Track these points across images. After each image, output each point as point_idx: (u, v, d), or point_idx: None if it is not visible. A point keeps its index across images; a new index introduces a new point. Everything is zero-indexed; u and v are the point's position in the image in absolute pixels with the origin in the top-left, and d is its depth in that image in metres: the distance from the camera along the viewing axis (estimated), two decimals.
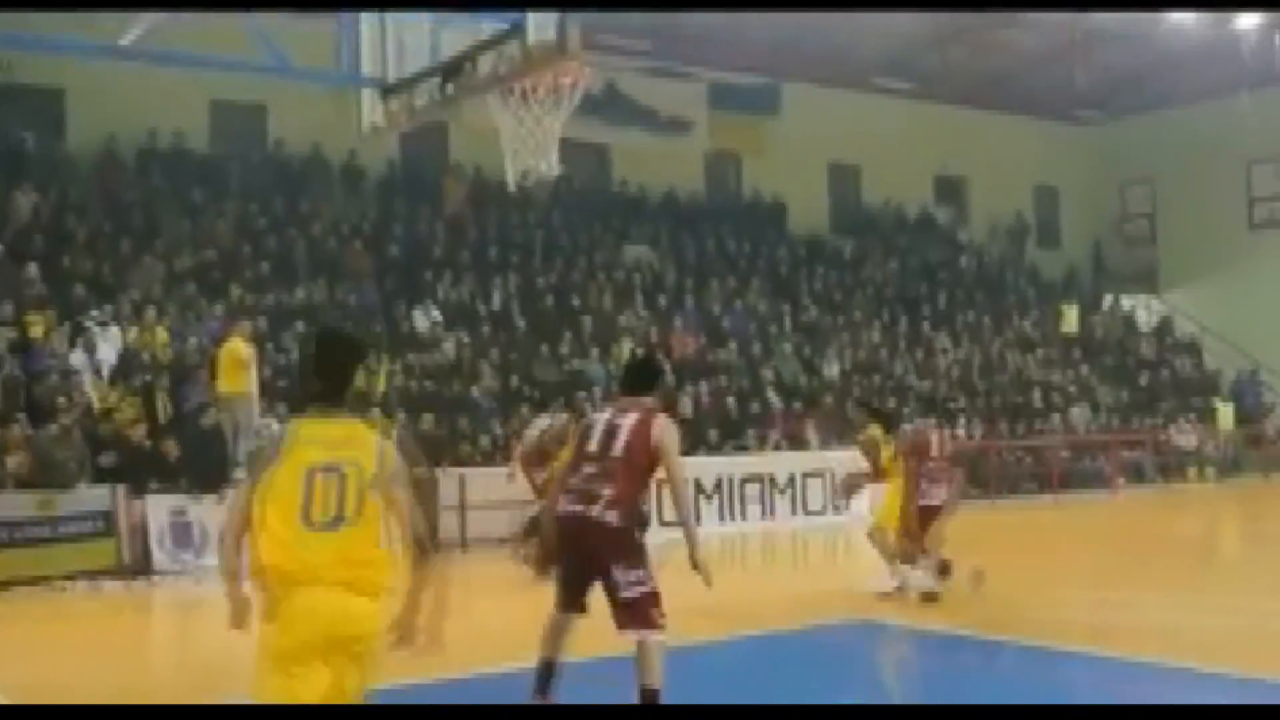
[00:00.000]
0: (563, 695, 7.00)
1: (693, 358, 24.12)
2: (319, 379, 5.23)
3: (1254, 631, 10.20)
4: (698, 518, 18.83)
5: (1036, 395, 28.01)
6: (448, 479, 17.88)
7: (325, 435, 5.01)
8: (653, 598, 6.81)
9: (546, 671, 7.04)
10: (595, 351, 22.80)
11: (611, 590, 6.79)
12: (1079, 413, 27.93)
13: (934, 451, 12.41)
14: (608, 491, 6.80)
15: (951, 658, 9.79)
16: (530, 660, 7.12)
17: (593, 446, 7.01)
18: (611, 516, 6.76)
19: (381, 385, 19.99)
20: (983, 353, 29.31)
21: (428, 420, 19.03)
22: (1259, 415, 31.79)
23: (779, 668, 9.34)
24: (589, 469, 6.95)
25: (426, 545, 5.28)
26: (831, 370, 25.86)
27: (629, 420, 7.03)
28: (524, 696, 6.99)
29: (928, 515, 12.04)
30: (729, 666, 9.43)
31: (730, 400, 23.07)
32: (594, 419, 7.34)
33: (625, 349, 23.24)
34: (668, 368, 23.11)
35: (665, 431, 7.05)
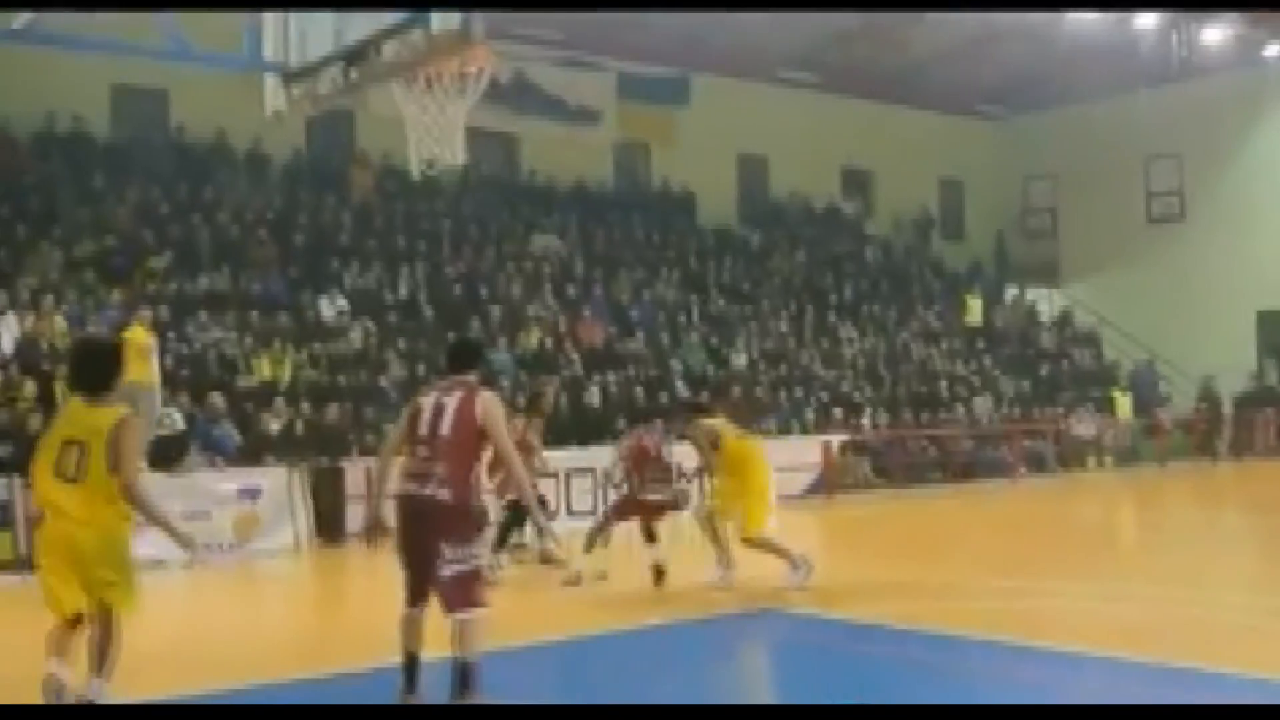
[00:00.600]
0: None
1: (601, 347, 24.16)
2: (81, 383, 7.31)
3: (1148, 617, 10.45)
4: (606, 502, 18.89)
5: (941, 386, 28.35)
6: (355, 469, 17.78)
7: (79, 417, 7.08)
8: (476, 575, 7.04)
9: (410, 666, 7.18)
10: (503, 341, 22.72)
11: (436, 570, 6.94)
12: (982, 403, 28.32)
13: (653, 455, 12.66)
14: (439, 470, 7.03)
15: (855, 647, 9.89)
16: (440, 647, 7.11)
17: (423, 429, 7.17)
18: (444, 494, 6.98)
19: (287, 375, 19.85)
20: (888, 343, 29.64)
21: (334, 409, 18.86)
22: (1155, 405, 32.46)
23: (681, 659, 9.40)
24: (422, 451, 7.15)
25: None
26: (739, 360, 26.00)
27: (453, 400, 7.21)
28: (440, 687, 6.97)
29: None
30: (633, 656, 9.47)
31: (638, 390, 23.12)
32: (422, 402, 7.39)
33: (534, 338, 23.23)
34: (575, 357, 23.19)
35: (489, 407, 7.25)
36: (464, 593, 6.89)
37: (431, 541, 6.96)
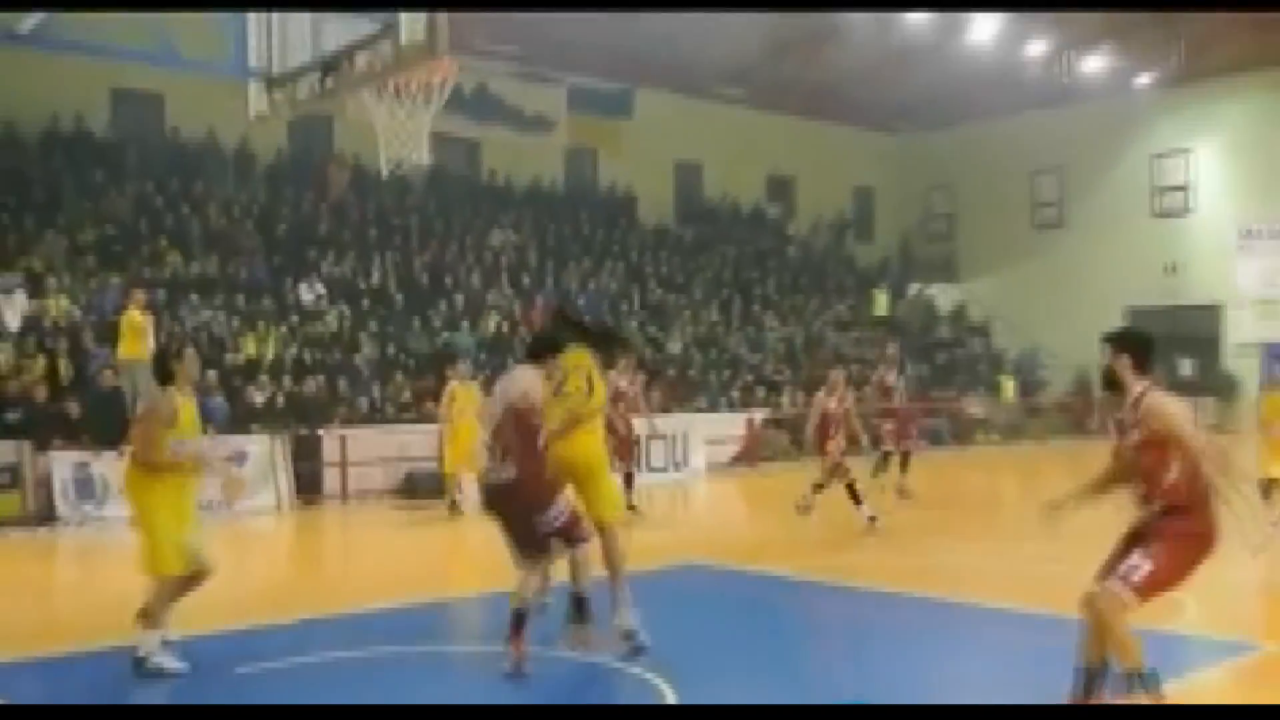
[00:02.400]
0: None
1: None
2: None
3: (1019, 572, 10.60)
4: None
5: (852, 369, 28.40)
6: (331, 437, 17.67)
7: None
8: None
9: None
10: (465, 324, 22.62)
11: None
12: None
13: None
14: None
15: (762, 595, 9.96)
16: (413, 596, 7.05)
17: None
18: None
19: (270, 352, 19.65)
20: (805, 331, 29.76)
21: (312, 384, 18.71)
22: (1037, 388, 32.85)
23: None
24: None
25: None
26: (674, 345, 26.03)
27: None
28: (413, 629, 6.91)
29: None
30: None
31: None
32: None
33: (492, 323, 23.13)
34: (529, 340, 23.07)
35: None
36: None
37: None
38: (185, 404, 7.40)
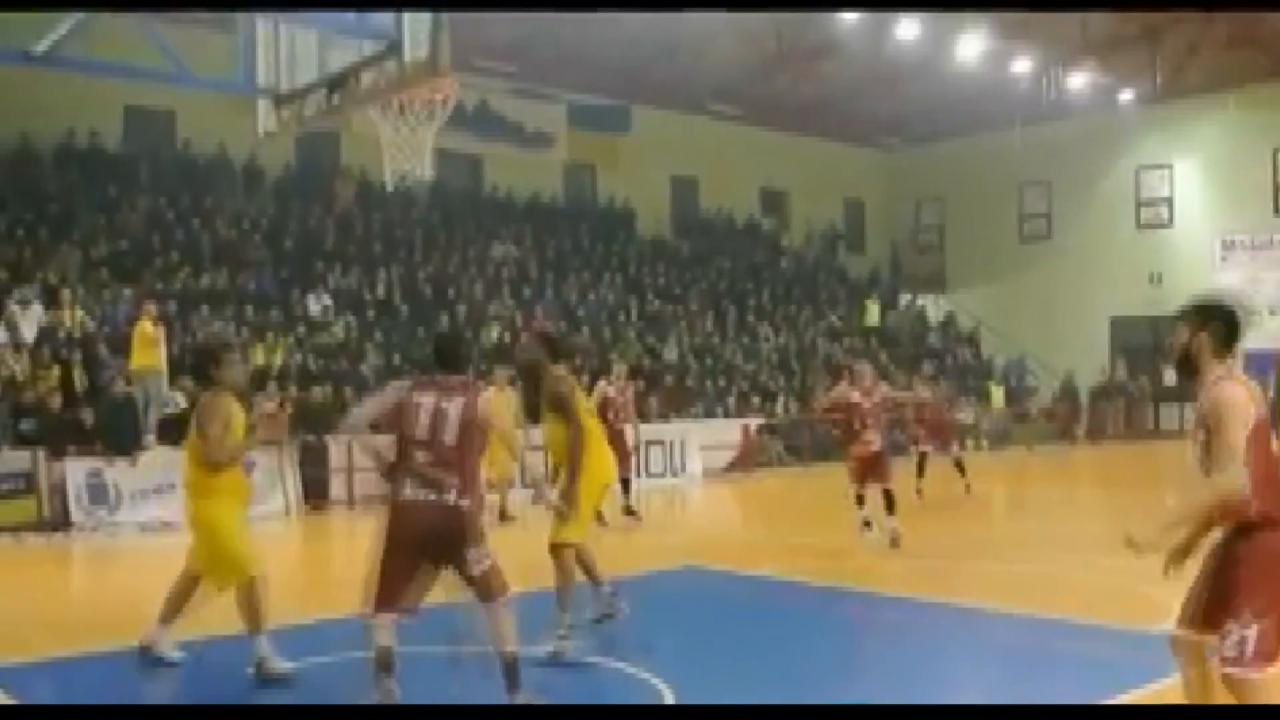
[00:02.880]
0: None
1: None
2: None
3: (1017, 576, 10.59)
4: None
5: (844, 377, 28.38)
6: (338, 445, 17.64)
7: None
8: (497, 566, 6.20)
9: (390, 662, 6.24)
10: (467, 335, 22.60)
11: (467, 569, 6.09)
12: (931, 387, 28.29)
13: None
14: (454, 479, 6.04)
15: (756, 596, 9.95)
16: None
17: (420, 433, 6.12)
18: (465, 502, 6.06)
19: (278, 362, 19.63)
20: (798, 340, 29.77)
21: (319, 392, 18.69)
22: (1024, 396, 32.85)
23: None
24: (422, 455, 6.10)
25: None
26: (671, 354, 26.02)
27: (455, 405, 6.16)
28: (425, 634, 6.87)
29: None
30: (583, 607, 9.45)
31: (584, 379, 23.03)
32: (417, 400, 6.20)
33: (494, 333, 23.12)
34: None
35: (489, 407, 6.37)
36: (498, 581, 6.06)
37: (454, 548, 6.01)
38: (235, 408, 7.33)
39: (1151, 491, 19.52)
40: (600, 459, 7.66)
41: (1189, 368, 4.68)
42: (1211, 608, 4.63)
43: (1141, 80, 31.81)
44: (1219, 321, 4.65)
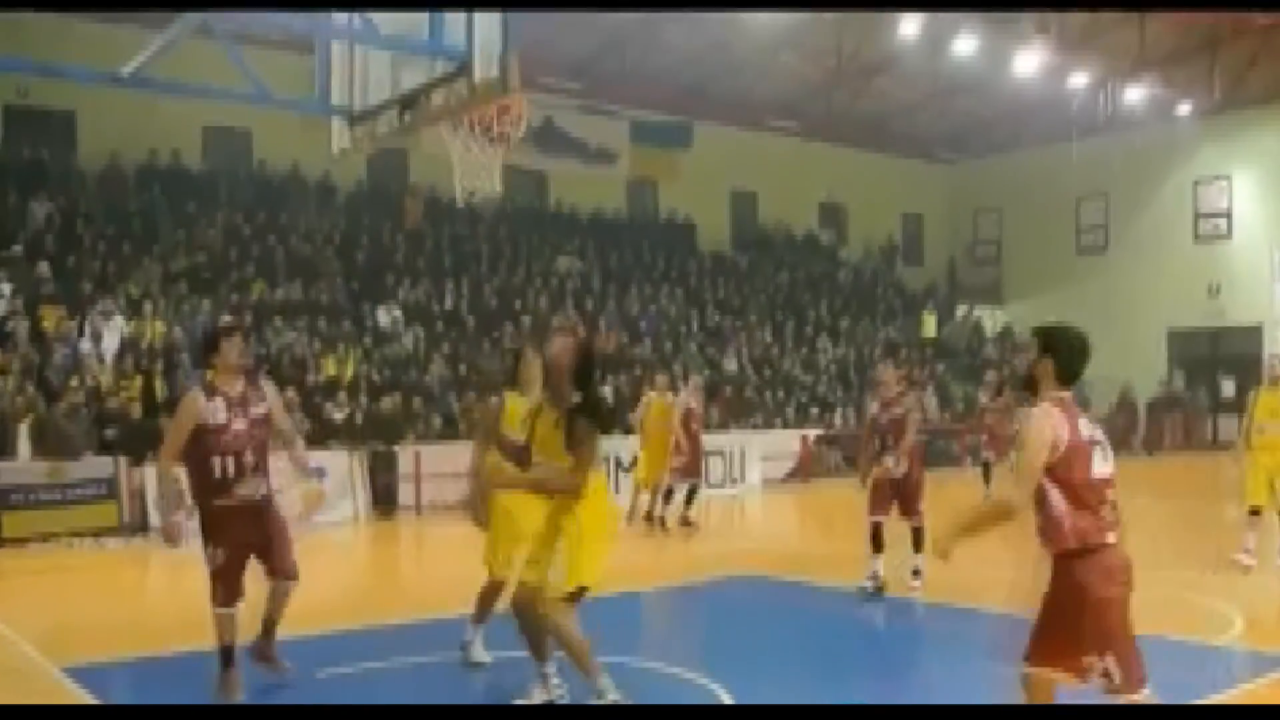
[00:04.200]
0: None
1: (614, 353, 24.11)
2: None
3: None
4: (619, 490, 18.90)
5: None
6: (406, 453, 17.76)
7: None
8: None
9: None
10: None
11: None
12: (929, 400, 28.09)
13: None
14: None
15: (813, 602, 9.87)
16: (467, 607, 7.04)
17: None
18: None
19: (349, 372, 19.84)
20: (857, 352, 29.56)
21: (388, 402, 18.84)
22: (1082, 407, 32.26)
23: (681, 614, 9.37)
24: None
25: None
26: (730, 365, 25.96)
27: None
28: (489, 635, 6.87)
29: None
30: (643, 614, 9.45)
31: (646, 390, 23.05)
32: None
33: (557, 344, 23.14)
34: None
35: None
36: None
37: None
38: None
39: (1207, 502, 19.22)
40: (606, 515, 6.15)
41: (1032, 387, 4.73)
42: (1058, 641, 4.49)
43: (1200, 92, 31.27)
44: (1063, 351, 4.72)
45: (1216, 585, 10.03)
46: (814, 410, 25.44)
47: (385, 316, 22.10)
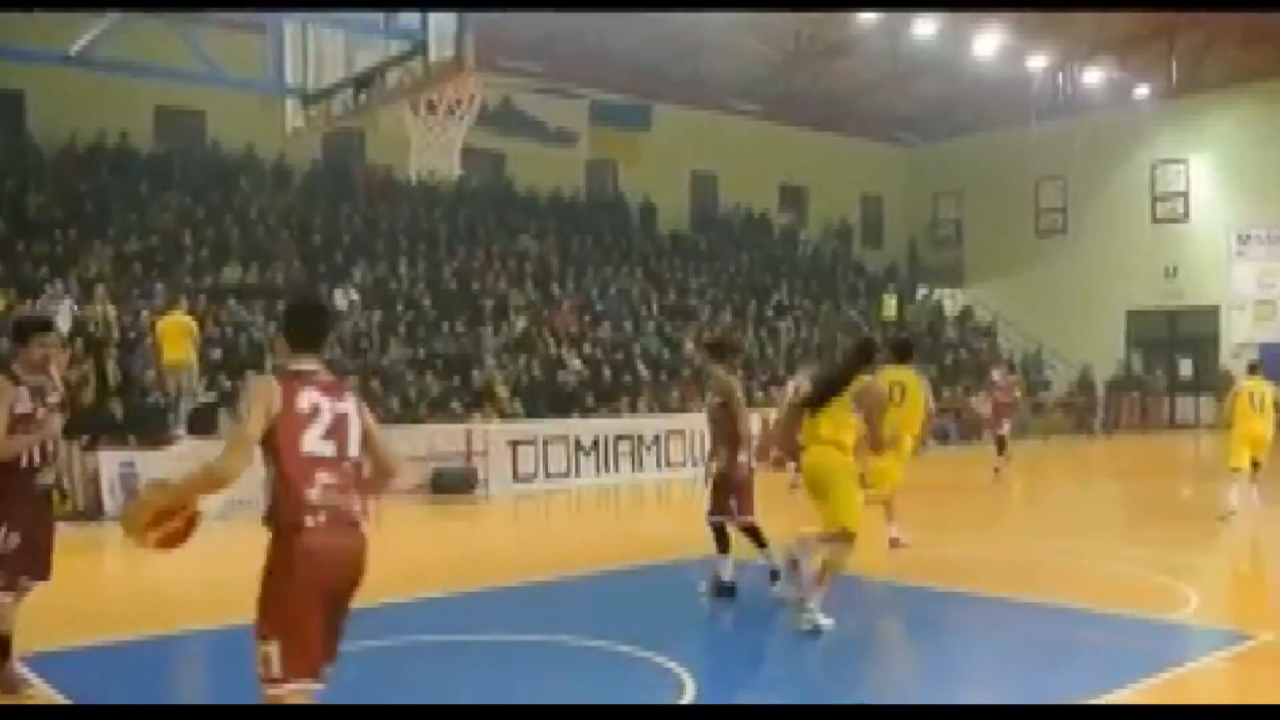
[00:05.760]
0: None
1: (574, 334, 24.11)
2: None
3: (1038, 564, 10.55)
4: (578, 472, 18.99)
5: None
6: None
7: None
8: None
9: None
10: (490, 328, 22.67)
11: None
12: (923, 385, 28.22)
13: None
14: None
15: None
16: (435, 590, 7.03)
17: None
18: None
19: None
20: (816, 333, 29.68)
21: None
22: (1040, 388, 32.70)
23: (643, 594, 9.40)
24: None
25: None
26: (690, 346, 25.98)
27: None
28: (427, 621, 6.90)
29: None
30: (602, 596, 9.48)
31: (605, 370, 23.09)
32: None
33: (518, 325, 23.16)
34: (552, 341, 23.13)
35: None
36: None
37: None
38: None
39: (1164, 481, 19.53)
40: None
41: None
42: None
43: (1157, 76, 31.61)
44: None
45: (1173, 564, 10.19)
46: (775, 392, 25.48)
47: (342, 298, 21.94)
